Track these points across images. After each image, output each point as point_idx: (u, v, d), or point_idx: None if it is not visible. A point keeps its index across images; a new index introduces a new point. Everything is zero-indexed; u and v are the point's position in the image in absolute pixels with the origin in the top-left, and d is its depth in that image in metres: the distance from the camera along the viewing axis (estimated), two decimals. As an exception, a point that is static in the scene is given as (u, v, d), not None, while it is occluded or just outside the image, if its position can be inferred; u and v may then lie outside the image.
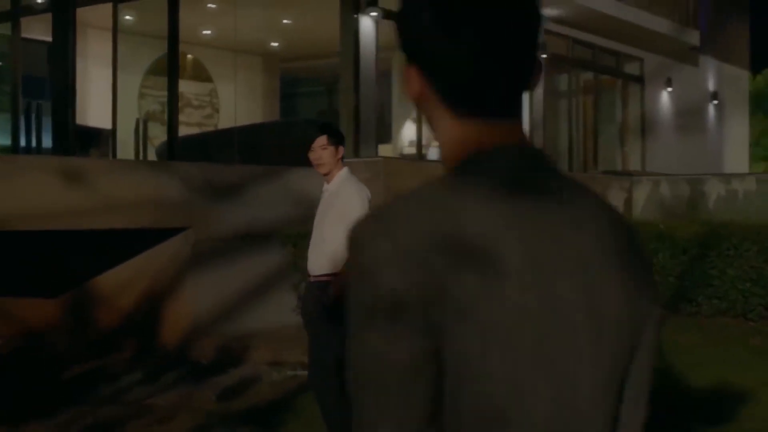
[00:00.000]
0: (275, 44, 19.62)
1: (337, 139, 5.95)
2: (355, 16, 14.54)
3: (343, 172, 5.94)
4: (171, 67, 13.23)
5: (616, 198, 14.64)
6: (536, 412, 1.26)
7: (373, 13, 14.57)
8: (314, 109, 22.14)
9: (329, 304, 5.61)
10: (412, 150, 18.84)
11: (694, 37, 21.56)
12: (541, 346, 1.26)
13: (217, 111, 19.49)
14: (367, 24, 14.65)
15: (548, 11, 17.96)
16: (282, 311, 9.70)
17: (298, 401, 8.00)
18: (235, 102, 19.01)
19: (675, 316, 10.16)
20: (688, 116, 22.83)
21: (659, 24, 20.16)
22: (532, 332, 1.25)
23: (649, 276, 1.42)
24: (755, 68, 29.97)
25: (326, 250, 5.78)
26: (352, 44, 14.57)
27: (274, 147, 13.90)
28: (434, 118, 1.41)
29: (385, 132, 18.01)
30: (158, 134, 16.24)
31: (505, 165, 1.34)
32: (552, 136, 19.11)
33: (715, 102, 24.08)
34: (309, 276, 6.04)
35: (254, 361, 9.45)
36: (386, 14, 14.83)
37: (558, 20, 18.43)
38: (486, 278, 1.24)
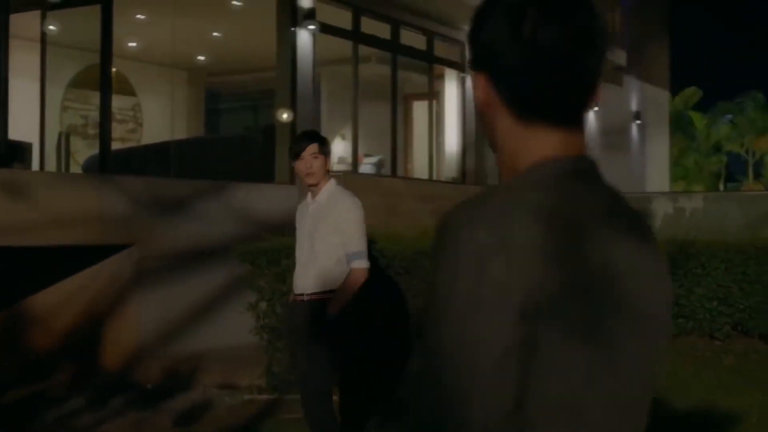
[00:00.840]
0: (202, 58, 19.14)
1: (327, 148, 5.62)
2: (293, 29, 14.21)
3: (332, 184, 5.62)
4: (103, 80, 12.70)
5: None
6: (601, 403, 1.35)
7: (311, 27, 14.26)
8: (240, 124, 21.64)
9: (329, 323, 5.25)
10: (343, 166, 18.61)
11: (621, 57, 21.74)
12: (611, 344, 1.36)
13: (141, 125, 18.95)
14: (304, 38, 14.33)
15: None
16: (234, 332, 9.30)
17: (260, 427, 7.63)
18: (158, 117, 18.52)
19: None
20: (613, 135, 23.00)
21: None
22: (606, 330, 1.35)
23: (670, 291, 1.53)
24: (674, 89, 30.44)
25: (320, 267, 5.42)
26: (289, 58, 14.23)
27: (209, 161, 13.49)
28: (499, 126, 1.46)
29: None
30: (80, 149, 15.66)
31: (571, 173, 1.41)
32: (487, 156, 19.02)
33: (638, 122, 24.35)
34: (297, 295, 5.62)
35: (204, 385, 9.04)
36: (324, 28, 14.56)
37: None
38: (575, 276, 1.32)
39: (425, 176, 17.72)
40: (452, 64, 18.20)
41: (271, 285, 8.25)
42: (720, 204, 14.99)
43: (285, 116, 14.15)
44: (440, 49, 17.74)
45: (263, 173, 13.87)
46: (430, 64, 17.70)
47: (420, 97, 18.24)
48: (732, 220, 13.51)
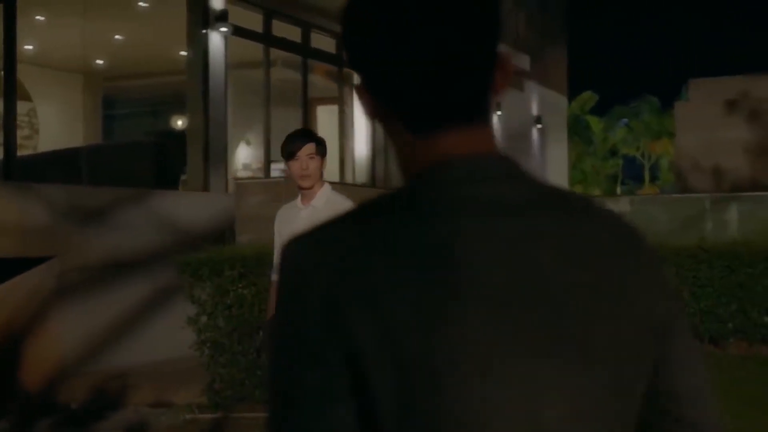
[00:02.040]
0: (100, 62, 18.47)
1: (324, 149, 5.27)
2: (204, 31, 13.78)
3: (327, 188, 5.25)
4: (8, 85, 12.10)
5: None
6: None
7: (224, 29, 13.86)
8: (140, 130, 21.00)
9: None
10: (247, 173, 18.23)
11: (524, 62, 21.86)
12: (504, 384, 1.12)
13: (37, 132, 18.22)
14: (216, 40, 13.92)
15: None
16: (165, 347, 8.89)
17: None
18: (55, 122, 17.81)
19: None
20: (515, 139, 23.13)
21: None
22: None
23: (651, 281, 1.25)
24: (571, 94, 30.83)
25: None
26: (201, 62, 13.80)
27: (122, 168, 12.96)
28: (391, 134, 1.28)
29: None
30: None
31: (458, 176, 1.19)
32: (392, 159, 18.86)
33: (539, 126, 24.56)
34: None
35: (134, 404, 8.57)
36: (237, 30, 14.17)
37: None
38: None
39: (336, 180, 17.45)
40: (361, 68, 17.96)
41: (213, 297, 7.86)
42: (647, 207, 15.08)
43: (193, 121, 13.73)
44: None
45: (175, 180, 13.43)
46: (340, 67, 17.46)
47: (329, 101, 17.97)
48: (661, 223, 13.58)
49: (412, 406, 1.08)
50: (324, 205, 5.10)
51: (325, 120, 18.59)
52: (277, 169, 17.56)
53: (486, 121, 1.25)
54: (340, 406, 1.10)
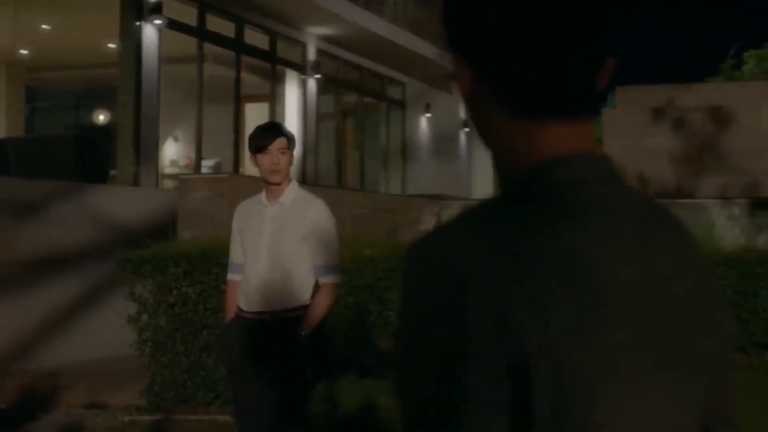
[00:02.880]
0: (24, 52, 17.97)
1: (294, 144, 5.07)
2: (138, 23, 13.48)
3: (295, 185, 5.05)
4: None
5: (428, 223, 14.33)
6: None
7: (158, 21, 13.58)
8: (65, 123, 20.48)
9: (302, 346, 4.69)
10: (175, 169, 17.93)
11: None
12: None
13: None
14: (150, 33, 13.63)
15: (322, 30, 17.63)
16: (105, 346, 8.62)
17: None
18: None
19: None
20: (444, 142, 23.19)
21: (427, 49, 20.30)
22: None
23: (720, 300, 1.25)
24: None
25: (290, 279, 4.77)
26: (134, 55, 13.50)
27: (48, 160, 12.58)
28: (488, 120, 1.23)
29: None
30: None
31: (579, 176, 1.16)
32: (324, 159, 18.74)
33: (467, 129, 24.62)
34: (256, 312, 4.90)
35: (67, 404, 8.29)
36: (171, 24, 13.90)
37: (330, 40, 18.13)
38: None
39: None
40: (293, 65, 17.81)
41: (155, 296, 7.62)
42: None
43: (124, 115, 13.43)
44: (282, 49, 17.33)
45: (103, 174, 13.11)
46: (273, 64, 17.26)
47: (261, 98, 17.75)
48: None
49: (566, 415, 1.05)
50: (293, 203, 4.91)
51: (255, 117, 18.36)
52: (207, 166, 17.32)
53: (592, 118, 1.24)
54: (502, 416, 1.07)
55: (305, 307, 4.79)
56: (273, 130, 5.01)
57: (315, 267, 4.85)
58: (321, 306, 4.78)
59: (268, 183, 4.94)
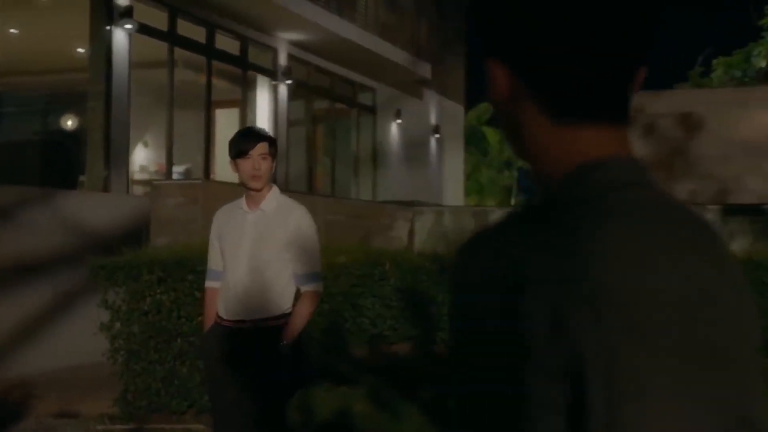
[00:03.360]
0: (-8, 56, 17.77)
1: (276, 150, 4.99)
2: (108, 28, 13.35)
3: (276, 191, 4.96)
4: None
5: (401, 229, 14.24)
6: None
7: (128, 26, 13.46)
8: (33, 128, 20.23)
9: (283, 355, 4.62)
10: (145, 175, 17.78)
11: (425, 70, 21.85)
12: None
13: None
14: (120, 37, 13.50)
15: (293, 35, 17.56)
16: (76, 354, 8.51)
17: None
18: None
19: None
20: (414, 148, 23.16)
21: (398, 55, 20.27)
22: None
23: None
24: (469, 104, 31.02)
25: (271, 287, 4.69)
26: (104, 59, 13.36)
27: (13, 167, 12.44)
28: (523, 125, 1.23)
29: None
30: None
31: (624, 179, 1.18)
32: (294, 164, 18.66)
33: (437, 135, 24.61)
34: (236, 321, 4.80)
35: (38, 414, 8.17)
36: (141, 28, 13.78)
37: (301, 45, 18.07)
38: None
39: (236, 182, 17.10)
40: (264, 71, 17.73)
41: (128, 303, 7.53)
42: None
43: (94, 120, 13.29)
44: (253, 55, 17.25)
45: (73, 180, 12.97)
46: (244, 70, 17.17)
47: (232, 104, 17.64)
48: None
49: (620, 419, 1.04)
50: (275, 210, 4.83)
51: (225, 123, 18.24)
52: (177, 172, 17.20)
53: (627, 123, 1.24)
54: (561, 418, 1.09)
55: (286, 316, 4.72)
56: (254, 134, 4.92)
57: (296, 275, 4.79)
58: (302, 315, 4.72)
59: (249, 189, 4.86)
